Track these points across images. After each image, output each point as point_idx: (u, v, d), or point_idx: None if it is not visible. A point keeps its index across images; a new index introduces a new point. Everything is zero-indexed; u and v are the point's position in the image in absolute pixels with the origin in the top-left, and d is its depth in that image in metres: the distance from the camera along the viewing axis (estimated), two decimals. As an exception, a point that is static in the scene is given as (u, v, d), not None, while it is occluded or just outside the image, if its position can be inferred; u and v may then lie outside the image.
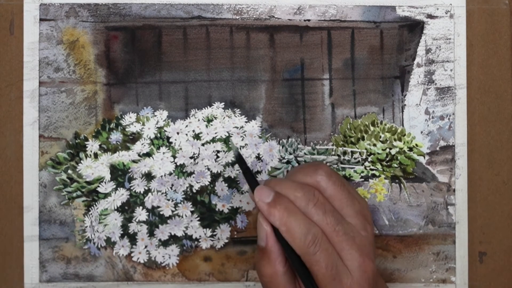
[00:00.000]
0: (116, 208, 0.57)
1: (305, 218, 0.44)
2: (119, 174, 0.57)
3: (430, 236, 0.58)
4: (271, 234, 0.45)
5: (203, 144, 0.57)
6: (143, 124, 0.58)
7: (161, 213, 0.57)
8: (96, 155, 0.57)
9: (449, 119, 0.58)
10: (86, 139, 0.58)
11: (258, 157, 0.57)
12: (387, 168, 0.58)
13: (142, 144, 0.57)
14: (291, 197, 0.45)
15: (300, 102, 0.58)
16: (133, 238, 0.57)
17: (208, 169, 0.57)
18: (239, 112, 0.58)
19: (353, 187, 0.48)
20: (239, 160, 0.51)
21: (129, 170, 0.57)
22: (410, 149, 0.58)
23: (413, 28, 0.58)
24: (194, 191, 0.57)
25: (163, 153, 0.57)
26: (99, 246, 0.57)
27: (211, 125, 0.58)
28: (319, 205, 0.44)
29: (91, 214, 0.57)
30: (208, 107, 0.58)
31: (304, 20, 0.58)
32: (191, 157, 0.57)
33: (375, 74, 0.59)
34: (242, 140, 0.57)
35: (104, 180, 0.57)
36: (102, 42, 0.58)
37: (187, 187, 0.57)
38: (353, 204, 0.46)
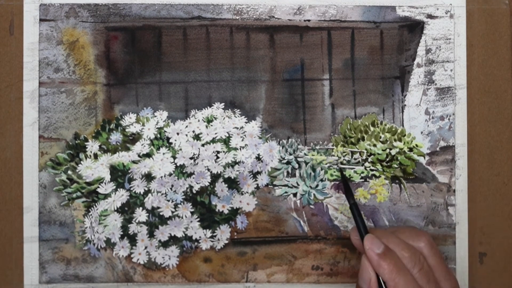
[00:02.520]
0: (116, 209, 0.57)
1: (413, 280, 0.46)
2: (119, 175, 0.57)
3: (430, 237, 0.58)
4: (375, 282, 0.48)
5: (203, 145, 0.57)
6: (143, 125, 0.57)
7: (161, 214, 0.57)
8: (96, 156, 0.57)
9: (449, 119, 0.58)
10: (86, 140, 0.58)
11: (258, 158, 0.57)
12: (387, 169, 0.58)
13: (142, 145, 0.57)
14: (398, 254, 0.48)
15: (300, 103, 0.58)
16: (133, 239, 0.57)
17: (208, 169, 0.57)
18: (239, 113, 0.58)
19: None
20: (348, 195, 0.54)
21: (129, 171, 0.57)
22: (410, 149, 0.58)
23: (413, 28, 0.58)
24: (194, 191, 0.57)
25: (163, 153, 0.57)
26: (99, 247, 0.57)
27: (211, 125, 0.58)
28: (424, 271, 0.47)
29: (91, 215, 0.57)
30: (208, 107, 0.58)
31: (304, 20, 0.58)
32: (191, 158, 0.57)
33: (375, 74, 0.59)
34: (242, 140, 0.57)
35: (104, 181, 0.57)
36: (102, 43, 0.58)
37: (187, 188, 0.57)
38: (450, 279, 0.49)
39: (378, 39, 0.59)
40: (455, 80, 0.58)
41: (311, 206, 0.58)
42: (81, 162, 0.57)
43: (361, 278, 0.48)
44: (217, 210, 0.57)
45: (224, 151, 0.57)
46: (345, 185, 0.55)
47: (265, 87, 0.58)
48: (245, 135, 0.58)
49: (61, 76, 0.58)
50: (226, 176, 0.57)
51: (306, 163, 0.58)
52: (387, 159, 0.58)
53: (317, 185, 0.58)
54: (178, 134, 0.57)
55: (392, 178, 0.58)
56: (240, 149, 0.57)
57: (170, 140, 0.57)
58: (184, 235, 0.57)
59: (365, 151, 0.58)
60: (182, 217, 0.57)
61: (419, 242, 0.49)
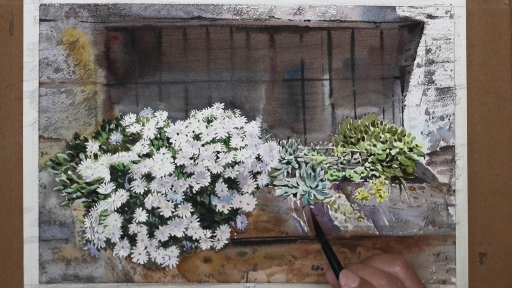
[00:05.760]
0: (116, 209, 0.57)
1: None
2: (119, 175, 0.57)
3: (430, 237, 0.58)
4: None
5: (203, 145, 0.57)
6: (143, 125, 0.57)
7: (161, 214, 0.57)
8: (96, 156, 0.57)
9: (449, 119, 0.58)
10: (86, 140, 0.58)
11: (258, 158, 0.57)
12: (387, 169, 0.58)
13: (142, 145, 0.57)
14: (375, 283, 0.48)
15: (300, 103, 0.58)
16: (133, 239, 0.57)
17: (208, 170, 0.57)
18: (239, 113, 0.58)
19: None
20: (319, 235, 0.54)
21: (129, 171, 0.57)
22: (410, 149, 0.58)
23: (413, 28, 0.58)
24: (194, 192, 0.57)
25: (163, 153, 0.57)
26: (99, 247, 0.57)
27: (211, 125, 0.58)
28: None
29: (91, 215, 0.57)
30: (208, 107, 0.58)
31: (304, 21, 0.58)
32: (191, 158, 0.57)
33: (375, 74, 0.59)
34: (242, 140, 0.57)
35: (104, 181, 0.57)
36: (102, 43, 0.58)
37: (187, 188, 0.57)
38: None
39: (378, 39, 0.59)
40: (455, 80, 0.58)
41: (311, 206, 0.58)
42: (81, 162, 0.57)
43: None
44: (217, 210, 0.57)
45: (224, 151, 0.57)
46: (315, 225, 0.55)
47: (265, 87, 0.58)
48: (245, 135, 0.57)
49: (61, 76, 0.58)
50: (226, 176, 0.57)
51: (306, 163, 0.58)
52: (387, 159, 0.58)
53: (317, 185, 0.58)
54: (178, 134, 0.57)
55: (392, 178, 0.58)
56: (240, 149, 0.57)
57: (170, 140, 0.57)
58: (184, 235, 0.57)
59: (365, 151, 0.58)
60: (182, 217, 0.57)
61: (394, 266, 0.50)
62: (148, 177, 0.57)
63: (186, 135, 0.57)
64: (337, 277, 0.50)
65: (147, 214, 0.57)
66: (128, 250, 0.57)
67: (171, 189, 0.57)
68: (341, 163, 0.58)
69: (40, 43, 0.57)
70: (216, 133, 0.57)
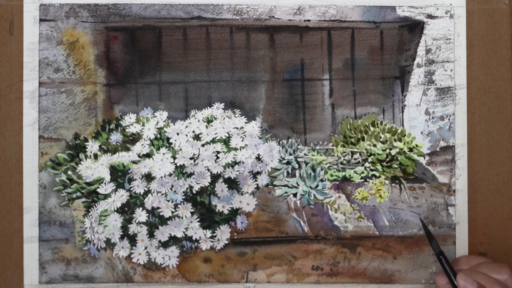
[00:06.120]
0: (116, 209, 0.57)
1: None
2: (119, 175, 0.57)
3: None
4: None
5: (203, 145, 0.57)
6: (143, 125, 0.57)
7: (161, 214, 0.57)
8: (96, 156, 0.57)
9: (449, 119, 0.58)
10: (86, 140, 0.58)
11: (258, 158, 0.57)
12: (387, 169, 0.58)
13: (142, 145, 0.57)
14: None
15: (300, 103, 0.58)
16: (133, 239, 0.57)
17: (208, 170, 0.57)
18: (239, 113, 0.58)
19: None
20: (433, 244, 0.55)
21: (129, 171, 0.57)
22: (410, 149, 0.58)
23: (413, 28, 0.58)
24: (194, 192, 0.57)
25: (163, 154, 0.57)
26: (99, 247, 0.57)
27: (211, 125, 0.58)
28: None
29: (91, 215, 0.57)
30: (208, 107, 0.58)
31: (304, 21, 0.58)
32: (191, 158, 0.57)
33: (375, 74, 0.59)
34: (242, 141, 0.57)
35: (104, 181, 0.57)
36: (102, 43, 0.58)
37: (187, 188, 0.57)
38: None
39: (378, 39, 0.59)
40: (455, 80, 0.58)
41: (311, 206, 0.58)
42: (81, 162, 0.57)
43: None
44: (217, 210, 0.57)
45: (224, 151, 0.57)
46: (428, 236, 0.55)
47: (265, 87, 0.58)
48: (245, 135, 0.57)
49: (61, 76, 0.58)
50: (226, 176, 0.57)
51: (306, 163, 0.58)
52: (387, 159, 0.58)
53: (317, 185, 0.58)
54: (178, 134, 0.57)
55: (392, 178, 0.58)
56: (240, 149, 0.57)
57: (170, 140, 0.57)
58: (184, 235, 0.57)
59: (365, 151, 0.58)
60: (182, 217, 0.57)
61: (502, 274, 0.51)
62: (148, 177, 0.57)
63: (186, 135, 0.57)
64: (451, 283, 0.52)
65: (147, 214, 0.57)
66: (128, 250, 0.57)
67: (171, 189, 0.57)
68: (341, 163, 0.58)
69: (40, 43, 0.57)
70: (216, 133, 0.57)
